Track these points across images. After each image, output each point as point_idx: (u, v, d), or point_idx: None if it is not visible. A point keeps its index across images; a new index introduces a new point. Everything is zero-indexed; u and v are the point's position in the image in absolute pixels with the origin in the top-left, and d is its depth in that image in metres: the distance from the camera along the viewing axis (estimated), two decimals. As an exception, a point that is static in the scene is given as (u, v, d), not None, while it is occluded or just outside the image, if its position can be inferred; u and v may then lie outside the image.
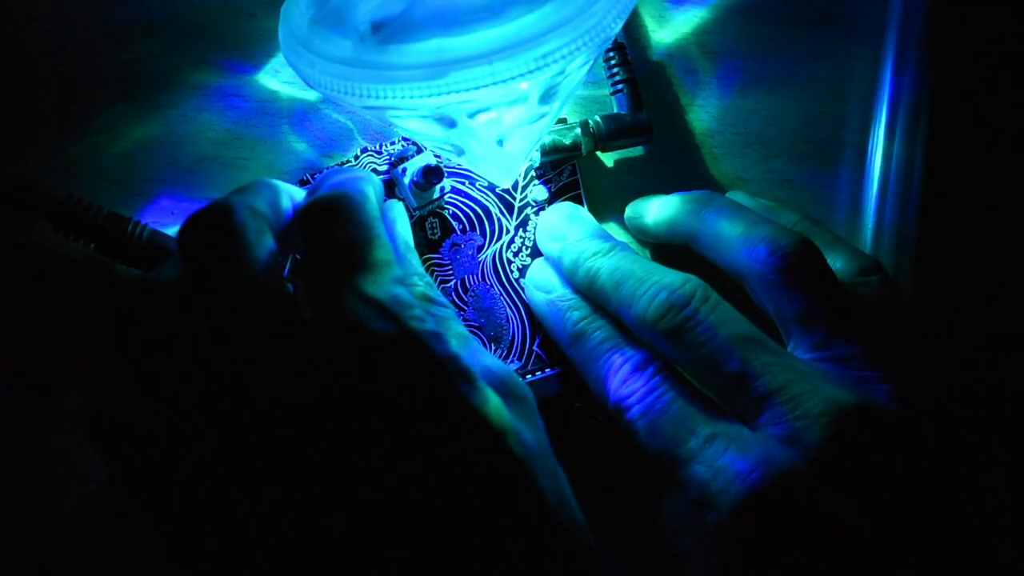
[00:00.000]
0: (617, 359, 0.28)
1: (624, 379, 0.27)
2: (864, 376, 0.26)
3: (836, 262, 0.30)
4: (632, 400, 0.27)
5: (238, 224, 0.24)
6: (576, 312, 0.30)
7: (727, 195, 0.33)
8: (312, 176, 0.32)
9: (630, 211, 0.33)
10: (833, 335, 0.27)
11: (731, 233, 0.29)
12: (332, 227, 0.24)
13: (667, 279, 0.27)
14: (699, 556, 0.25)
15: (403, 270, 0.25)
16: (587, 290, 0.30)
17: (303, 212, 0.25)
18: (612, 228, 0.34)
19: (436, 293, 0.26)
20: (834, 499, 0.24)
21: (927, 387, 0.26)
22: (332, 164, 0.32)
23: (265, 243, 0.24)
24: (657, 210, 0.32)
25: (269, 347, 0.23)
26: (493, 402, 0.23)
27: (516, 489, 0.22)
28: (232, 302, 0.23)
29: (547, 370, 0.32)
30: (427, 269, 0.32)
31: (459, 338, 0.25)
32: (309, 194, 0.26)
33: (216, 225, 0.24)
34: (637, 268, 0.28)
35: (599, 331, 0.29)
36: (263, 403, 0.22)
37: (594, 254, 0.29)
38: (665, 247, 0.33)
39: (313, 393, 0.22)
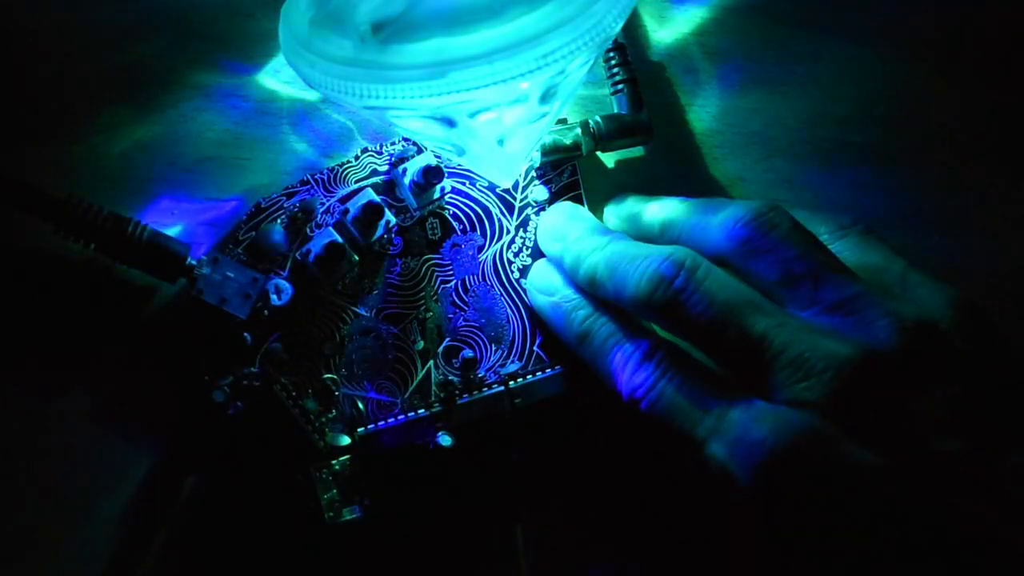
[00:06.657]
0: (626, 351, 0.28)
1: (634, 370, 0.27)
2: (863, 317, 0.25)
3: (814, 229, 0.29)
4: (644, 389, 0.27)
5: None
6: (580, 311, 0.30)
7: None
8: (313, 176, 0.32)
9: (619, 207, 0.33)
10: (819, 285, 0.26)
11: (708, 223, 0.29)
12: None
13: (655, 252, 0.27)
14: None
15: None
16: (589, 286, 0.29)
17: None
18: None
19: None
20: (856, 449, 0.23)
21: (926, 314, 0.26)
22: (332, 164, 0.32)
23: None
24: (650, 212, 0.32)
25: None
26: None
27: None
28: None
29: (548, 370, 0.32)
30: (428, 269, 0.32)
31: None
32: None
33: None
34: (629, 251, 0.28)
35: (604, 327, 0.29)
36: None
37: (593, 250, 0.29)
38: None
39: None
